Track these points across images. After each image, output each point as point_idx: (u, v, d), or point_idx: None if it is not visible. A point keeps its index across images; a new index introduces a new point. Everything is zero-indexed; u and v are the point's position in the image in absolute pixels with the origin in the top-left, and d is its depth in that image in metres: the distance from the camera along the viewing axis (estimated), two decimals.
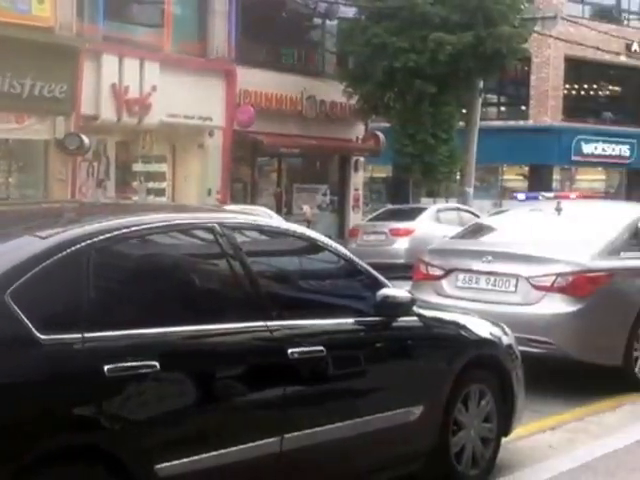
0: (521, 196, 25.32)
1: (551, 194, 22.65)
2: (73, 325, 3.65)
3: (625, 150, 35.88)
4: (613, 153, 35.61)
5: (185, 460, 3.85)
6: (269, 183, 25.21)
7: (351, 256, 5.08)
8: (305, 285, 4.95)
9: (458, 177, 27.22)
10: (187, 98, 20.38)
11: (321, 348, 4.46)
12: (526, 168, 35.75)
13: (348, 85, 24.02)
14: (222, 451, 4.00)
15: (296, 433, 4.31)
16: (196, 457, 3.89)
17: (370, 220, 22.61)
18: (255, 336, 4.31)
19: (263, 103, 23.18)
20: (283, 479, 4.39)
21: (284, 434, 4.24)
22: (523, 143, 32.45)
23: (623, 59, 32.60)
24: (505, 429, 5.70)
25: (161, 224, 4.26)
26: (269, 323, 4.33)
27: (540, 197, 21.67)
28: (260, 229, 4.82)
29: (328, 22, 25.71)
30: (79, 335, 3.63)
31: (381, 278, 5.09)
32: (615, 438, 6.45)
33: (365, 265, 5.13)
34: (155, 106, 19.91)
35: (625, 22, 37.37)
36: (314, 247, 4.97)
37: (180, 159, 22.15)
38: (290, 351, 4.32)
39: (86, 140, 18.59)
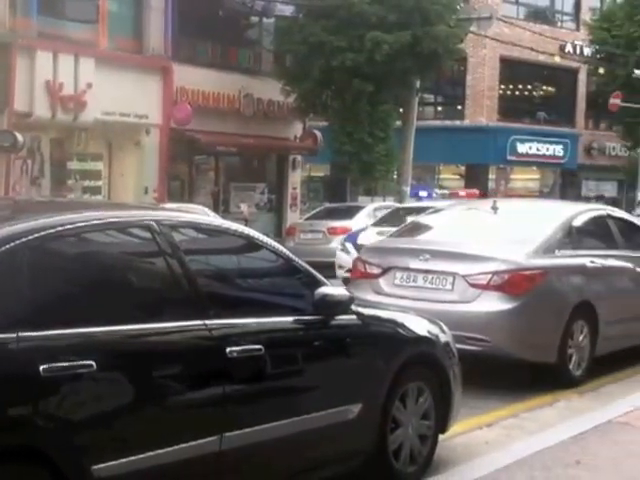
0: (423, 192, 25.27)
1: (446, 191, 22.80)
2: (8, 324, 3.58)
3: (559, 150, 36.48)
4: (547, 153, 36.18)
5: (123, 460, 3.81)
6: (206, 181, 25.10)
7: (289, 254, 5.07)
8: (244, 284, 4.93)
9: (395, 176, 27.40)
10: (123, 95, 20.17)
11: (260, 347, 4.45)
12: (462, 167, 36.15)
13: (286, 83, 24.01)
14: (161, 451, 3.96)
15: (235, 432, 4.29)
16: (134, 457, 3.85)
17: (308, 219, 22.64)
18: (193, 335, 4.28)
19: (200, 101, 23.06)
20: (223, 478, 4.36)
21: (223, 433, 4.22)
22: (459, 142, 32.80)
23: (557, 60, 33.13)
24: (442, 426, 5.74)
25: (97, 222, 4.20)
26: (207, 322, 4.30)
27: (434, 194, 21.66)
28: (198, 227, 4.79)
29: (265, 20, 25.69)
30: (14, 335, 3.57)
31: (319, 276, 5.09)
32: (550, 434, 6.53)
33: (303, 263, 5.13)
34: (90, 103, 19.66)
35: (559, 23, 38.04)
36: (252, 245, 4.95)
37: (116, 157, 21.92)
38: (229, 350, 4.29)
39: (20, 137, 18.30)
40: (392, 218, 16.34)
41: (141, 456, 3.88)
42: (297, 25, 23.69)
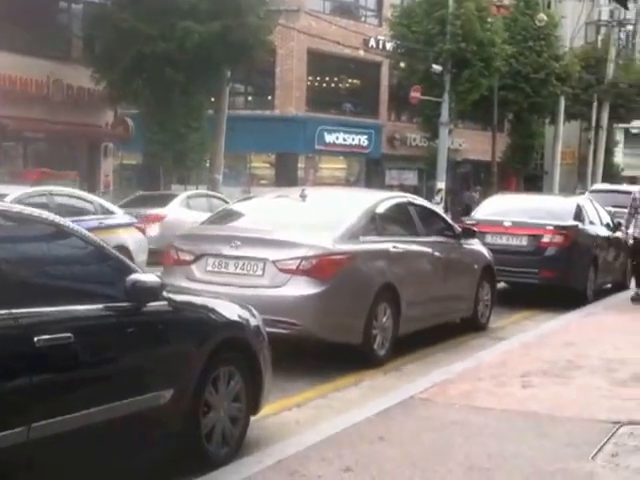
0: None
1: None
2: None
3: (364, 140, 37.53)
4: (353, 143, 37.17)
5: None
6: (14, 168, 24.27)
7: (99, 241, 5.05)
8: (52, 271, 4.84)
9: (208, 164, 27.39)
10: None
11: (69, 335, 4.41)
12: (273, 156, 36.54)
13: (95, 71, 23.54)
14: None
15: (44, 422, 4.24)
16: None
17: (120, 206, 22.26)
18: None
19: (7, 86, 22.35)
20: (31, 469, 4.31)
21: (31, 423, 4.17)
22: (270, 132, 33.15)
23: (362, 54, 34.03)
24: (254, 408, 5.88)
25: None
26: (14, 310, 4.22)
27: None
28: (4, 215, 4.68)
29: (74, 5, 25.10)
30: None
31: (130, 263, 5.12)
32: (356, 411, 6.76)
33: (114, 251, 5.14)
34: None
35: (363, 19, 39.09)
36: (61, 233, 4.89)
37: None
38: (36, 339, 4.23)
39: None
40: None
41: None
42: (107, 11, 23.26)
